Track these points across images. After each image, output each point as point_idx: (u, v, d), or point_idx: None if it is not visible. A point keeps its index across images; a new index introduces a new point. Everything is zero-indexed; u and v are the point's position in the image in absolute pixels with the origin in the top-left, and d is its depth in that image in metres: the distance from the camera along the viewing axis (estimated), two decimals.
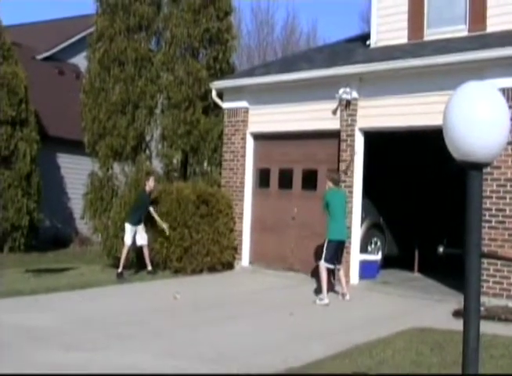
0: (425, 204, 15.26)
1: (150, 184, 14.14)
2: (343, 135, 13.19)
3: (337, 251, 11.55)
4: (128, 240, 13.81)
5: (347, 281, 12.32)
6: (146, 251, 13.89)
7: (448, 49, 11.88)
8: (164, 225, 13.81)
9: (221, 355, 7.78)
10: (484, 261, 10.21)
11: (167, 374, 6.62)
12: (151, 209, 13.95)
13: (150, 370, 7.06)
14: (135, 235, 13.82)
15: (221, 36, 17.29)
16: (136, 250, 14.29)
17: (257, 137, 15.13)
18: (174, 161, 17.53)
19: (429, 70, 11.89)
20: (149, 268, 13.85)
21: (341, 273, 11.74)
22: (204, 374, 6.80)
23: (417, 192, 15.34)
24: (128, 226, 13.86)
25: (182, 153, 17.24)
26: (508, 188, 10.95)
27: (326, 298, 11.13)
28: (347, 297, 11.47)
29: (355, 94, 13.02)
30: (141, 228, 13.89)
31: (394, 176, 15.04)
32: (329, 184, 11.72)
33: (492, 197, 11.00)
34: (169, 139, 16.91)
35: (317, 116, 13.61)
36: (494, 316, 9.53)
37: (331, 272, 11.76)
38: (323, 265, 11.34)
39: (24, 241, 18.74)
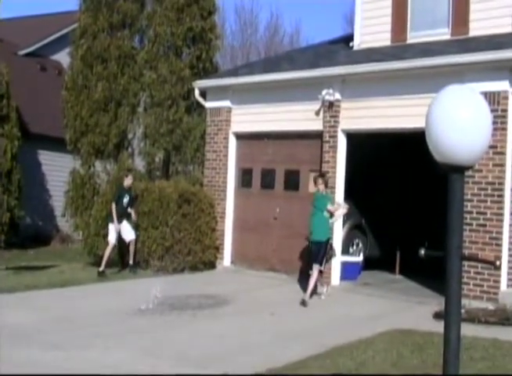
0: (407, 206, 15.31)
1: (128, 181, 14.10)
2: (325, 137, 13.21)
3: None
4: (112, 239, 13.77)
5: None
6: (132, 247, 13.88)
7: (431, 52, 11.93)
8: (122, 232, 13.90)
9: (201, 355, 7.77)
10: (465, 263, 10.26)
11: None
12: (113, 206, 13.80)
13: (131, 369, 7.03)
14: (120, 233, 13.80)
15: (204, 35, 17.30)
16: (119, 247, 14.26)
17: (240, 137, 15.12)
18: (157, 160, 17.54)
19: (411, 72, 11.93)
20: (131, 262, 13.83)
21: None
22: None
23: (399, 194, 15.38)
24: (110, 226, 13.81)
25: (164, 152, 17.23)
26: (489, 191, 11.02)
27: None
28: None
29: (337, 95, 13.04)
30: (125, 224, 13.85)
31: (377, 178, 15.07)
32: (323, 187, 11.65)
33: (473, 200, 11.06)
34: (151, 138, 16.90)
35: (300, 117, 13.63)
36: (474, 318, 9.57)
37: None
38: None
39: (4, 238, 18.61)
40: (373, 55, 13.07)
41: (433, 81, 10.96)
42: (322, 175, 12.05)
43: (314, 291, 11.57)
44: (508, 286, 11.07)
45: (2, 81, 18.54)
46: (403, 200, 15.36)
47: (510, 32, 11.87)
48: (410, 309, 10.93)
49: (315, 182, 11.77)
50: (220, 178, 15.08)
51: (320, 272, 11.56)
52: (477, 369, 7.15)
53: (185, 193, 14.25)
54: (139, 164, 17.58)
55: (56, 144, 20.22)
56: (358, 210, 14.51)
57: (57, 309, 10.28)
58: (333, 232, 12.88)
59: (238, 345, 8.34)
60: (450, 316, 3.42)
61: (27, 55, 25.29)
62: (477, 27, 12.42)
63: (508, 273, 11.09)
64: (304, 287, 11.53)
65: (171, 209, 13.93)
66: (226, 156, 15.06)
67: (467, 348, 7.61)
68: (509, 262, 11.12)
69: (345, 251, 13.92)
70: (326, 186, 11.81)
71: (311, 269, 11.50)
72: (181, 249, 13.98)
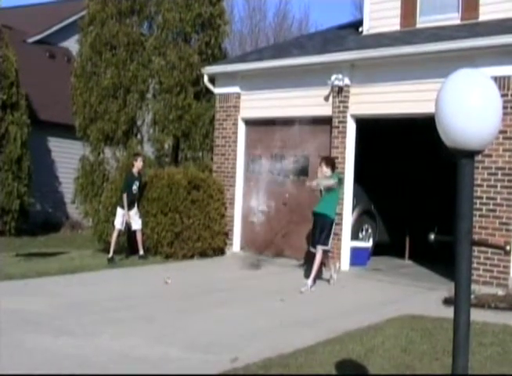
0: (416, 192, 15.28)
1: (138, 164, 14.05)
2: (335, 122, 13.18)
3: None
4: (117, 224, 13.80)
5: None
6: (139, 236, 13.88)
7: (440, 37, 11.88)
8: (131, 220, 13.80)
9: (211, 341, 7.79)
10: (475, 249, 10.24)
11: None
12: (124, 196, 13.74)
13: (141, 356, 7.06)
14: (128, 220, 13.81)
15: (213, 21, 17.26)
16: (128, 234, 14.29)
17: (249, 123, 15.10)
18: (166, 146, 17.54)
19: (421, 57, 11.87)
20: (141, 252, 13.84)
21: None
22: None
23: (409, 179, 15.35)
24: (118, 210, 13.84)
25: (173, 138, 17.23)
26: (499, 176, 10.98)
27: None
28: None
29: (347, 81, 13.00)
30: (134, 212, 13.86)
31: (386, 163, 15.05)
32: (325, 169, 11.44)
33: (482, 186, 11.03)
34: (160, 124, 16.89)
35: (309, 102, 13.60)
36: (484, 303, 9.55)
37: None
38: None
39: (15, 225, 18.71)
40: (382, 40, 13.02)
41: (442, 65, 10.91)
42: (324, 158, 11.88)
43: (318, 276, 11.50)
44: None
45: (11, 68, 18.57)
46: (413, 185, 15.32)
47: None
48: (420, 295, 10.92)
49: (320, 166, 11.60)
50: (229, 164, 15.08)
51: (324, 252, 11.33)
52: (486, 354, 7.15)
53: (195, 180, 14.26)
54: (148, 150, 17.59)
55: (66, 131, 20.27)
56: (367, 195, 14.51)
57: (68, 295, 10.32)
58: (343, 218, 12.90)
59: (247, 331, 8.35)
60: (460, 301, 3.42)
61: (36, 42, 25.33)
62: (487, 12, 12.35)
63: None
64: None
65: (181, 195, 13.95)
66: (235, 142, 15.06)
67: (477, 334, 7.61)
68: None
69: (355, 237, 13.92)
70: (333, 168, 11.60)
71: (313, 247, 11.37)
72: (190, 235, 14.00)
